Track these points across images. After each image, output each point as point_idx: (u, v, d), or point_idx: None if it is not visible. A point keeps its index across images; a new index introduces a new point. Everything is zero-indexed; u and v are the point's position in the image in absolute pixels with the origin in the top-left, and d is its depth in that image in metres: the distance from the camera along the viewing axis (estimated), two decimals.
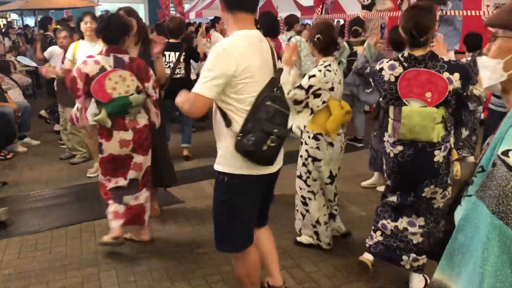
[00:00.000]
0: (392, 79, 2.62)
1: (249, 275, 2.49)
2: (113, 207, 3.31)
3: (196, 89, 2.14)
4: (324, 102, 3.10)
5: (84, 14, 4.89)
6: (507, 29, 1.13)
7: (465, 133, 5.22)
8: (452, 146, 2.70)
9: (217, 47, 2.14)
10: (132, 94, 3.15)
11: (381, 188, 4.33)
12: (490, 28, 1.20)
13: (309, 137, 3.18)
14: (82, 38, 4.99)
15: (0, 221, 3.97)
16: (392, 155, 2.72)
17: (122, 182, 3.35)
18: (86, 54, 3.62)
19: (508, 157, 1.00)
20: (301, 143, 3.27)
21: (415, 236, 2.79)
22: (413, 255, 2.81)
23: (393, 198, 2.83)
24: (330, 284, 3.06)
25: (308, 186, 3.26)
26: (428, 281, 2.87)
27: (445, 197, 2.73)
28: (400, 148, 2.66)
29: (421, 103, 2.56)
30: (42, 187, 4.99)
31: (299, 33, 6.67)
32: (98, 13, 4.22)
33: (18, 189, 4.95)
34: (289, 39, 6.30)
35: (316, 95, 3.07)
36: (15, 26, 18.05)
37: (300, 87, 2.99)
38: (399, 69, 2.61)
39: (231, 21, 2.21)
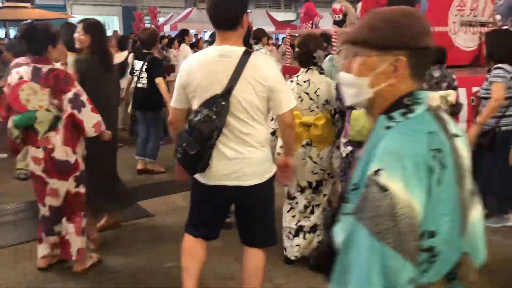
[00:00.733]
0: None
1: (182, 261, 2.59)
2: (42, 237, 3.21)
3: None
4: None
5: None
6: (369, 46, 1.11)
7: None
8: None
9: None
10: (46, 109, 2.96)
11: None
12: (349, 45, 1.16)
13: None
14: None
15: None
16: (344, 155, 2.90)
17: (43, 210, 3.17)
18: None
19: (379, 176, 0.99)
20: None
21: None
22: None
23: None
24: None
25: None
26: None
27: None
28: (350, 148, 2.85)
29: None
30: (7, 201, 4.85)
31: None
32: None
33: None
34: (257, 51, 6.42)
35: None
36: None
37: None
38: None
39: None
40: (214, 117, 2.22)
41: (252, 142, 2.32)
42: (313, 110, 3.14)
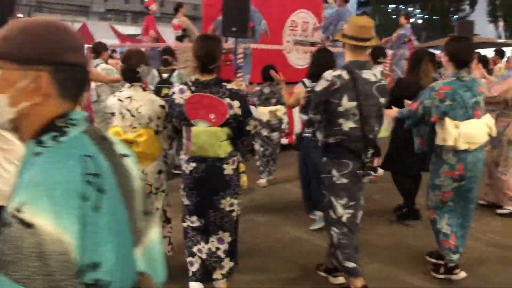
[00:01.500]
0: (182, 102, 2.79)
1: None
2: None
3: None
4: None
5: None
6: (8, 59, 0.96)
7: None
8: (240, 159, 3.00)
9: None
10: None
11: None
12: None
13: None
14: None
15: None
16: (187, 171, 2.89)
17: None
18: None
19: (22, 212, 0.86)
20: None
21: (223, 252, 2.98)
22: (226, 267, 3.02)
23: (194, 220, 2.96)
24: None
25: None
26: None
27: (238, 208, 3.03)
28: (193, 164, 2.85)
29: (207, 123, 2.78)
30: None
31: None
32: None
33: None
34: (95, 67, 5.99)
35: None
36: None
37: None
38: (187, 93, 2.79)
39: None
40: None
41: (12, 159, 2.21)
42: (135, 127, 3.00)
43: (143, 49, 5.35)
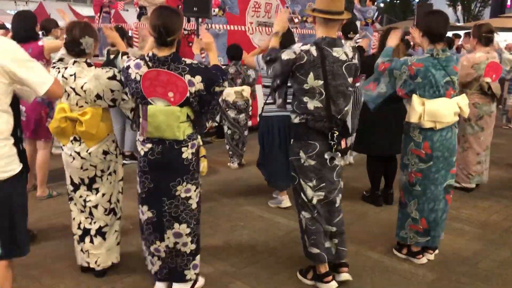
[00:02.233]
0: (138, 78, 2.60)
1: None
2: None
3: None
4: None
5: None
6: None
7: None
8: (201, 143, 2.79)
9: None
10: None
11: None
12: None
13: None
14: None
15: None
16: (142, 153, 2.70)
17: None
18: None
19: None
20: None
21: (187, 247, 2.79)
22: (193, 263, 2.82)
23: (148, 213, 2.75)
24: None
25: None
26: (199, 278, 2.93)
27: (198, 196, 2.78)
28: (149, 145, 2.67)
29: (165, 103, 2.59)
30: None
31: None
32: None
33: None
34: None
35: None
36: None
37: None
38: (144, 69, 2.60)
39: None
40: None
41: None
42: (82, 106, 2.86)
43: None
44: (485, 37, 4.64)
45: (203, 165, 2.77)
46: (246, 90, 5.51)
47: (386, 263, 3.28)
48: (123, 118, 5.55)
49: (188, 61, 2.61)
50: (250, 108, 5.89)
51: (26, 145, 3.88)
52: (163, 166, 2.67)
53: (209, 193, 4.59)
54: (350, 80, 2.86)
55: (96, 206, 3.01)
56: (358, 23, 9.73)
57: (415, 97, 3.10)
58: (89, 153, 2.89)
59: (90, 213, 3.02)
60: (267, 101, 4.23)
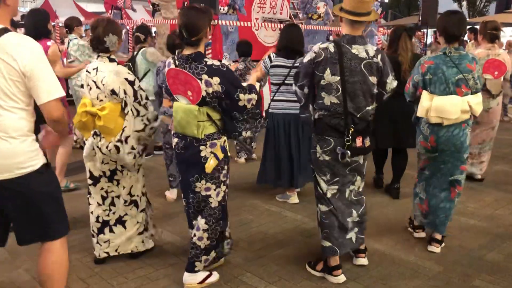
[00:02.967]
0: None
1: None
2: None
3: None
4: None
5: None
6: None
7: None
8: (222, 144, 2.77)
9: None
10: None
11: None
12: None
13: None
14: None
15: None
16: (174, 145, 2.85)
17: None
18: None
19: None
20: None
21: (202, 242, 2.83)
22: (204, 257, 2.88)
23: (183, 201, 2.95)
24: None
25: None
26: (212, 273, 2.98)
27: (219, 195, 2.82)
28: (176, 139, 2.80)
29: (187, 100, 2.67)
30: None
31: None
32: None
33: None
34: (69, 42, 5.87)
35: None
36: None
37: None
38: (171, 67, 2.70)
39: None
40: None
41: None
42: (101, 100, 2.93)
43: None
44: (489, 34, 4.69)
45: (208, 161, 2.71)
46: (257, 85, 5.53)
47: (393, 256, 3.34)
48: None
49: (210, 61, 2.62)
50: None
51: None
52: (185, 160, 2.79)
53: None
54: (372, 78, 2.85)
55: (118, 197, 3.11)
56: None
57: (424, 93, 3.21)
58: (109, 150, 2.94)
59: (111, 203, 3.11)
60: (274, 98, 4.28)
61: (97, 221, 3.12)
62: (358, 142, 2.84)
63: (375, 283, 2.98)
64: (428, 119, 3.23)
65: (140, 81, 4.70)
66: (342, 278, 2.98)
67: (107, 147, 2.95)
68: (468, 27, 11.12)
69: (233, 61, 7.11)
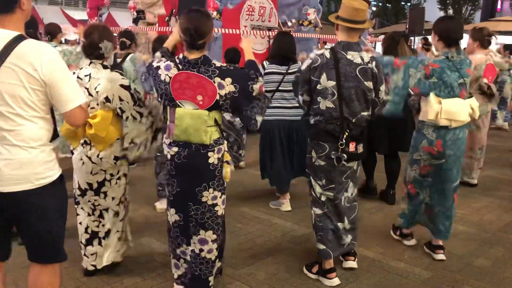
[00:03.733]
0: (167, 79, 2.58)
1: None
2: None
3: None
4: None
5: None
6: None
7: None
8: (226, 149, 2.74)
9: None
10: None
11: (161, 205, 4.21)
12: None
13: None
14: None
15: None
16: (169, 156, 2.67)
17: None
18: None
19: None
20: None
21: (212, 254, 2.75)
22: (216, 268, 2.85)
23: (176, 217, 2.73)
24: None
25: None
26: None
27: (224, 203, 2.78)
28: (175, 149, 2.64)
29: (194, 106, 2.57)
30: None
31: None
32: None
33: None
34: None
35: None
36: None
37: None
38: (174, 70, 2.58)
39: None
40: None
41: (15, 141, 1.99)
42: (93, 108, 2.87)
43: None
44: (487, 40, 4.83)
45: (226, 171, 2.71)
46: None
47: (382, 262, 3.33)
48: None
49: (218, 63, 2.60)
50: None
51: None
52: (189, 170, 2.63)
53: None
54: (368, 84, 2.88)
55: (107, 209, 3.04)
56: None
57: (432, 96, 3.16)
58: (101, 159, 2.90)
59: (100, 216, 3.04)
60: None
61: (86, 232, 3.06)
62: (352, 147, 2.86)
63: None
64: (436, 122, 3.18)
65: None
66: (336, 281, 2.99)
67: (97, 156, 2.90)
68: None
69: None
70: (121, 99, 2.86)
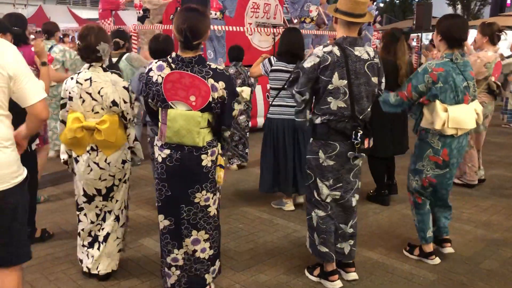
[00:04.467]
0: (159, 80, 2.49)
1: None
2: None
3: None
4: (68, 112, 2.88)
5: None
6: None
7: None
8: (220, 151, 2.68)
9: None
10: None
11: None
12: None
13: None
14: None
15: None
16: (160, 159, 2.59)
17: None
18: None
19: None
20: None
21: (205, 253, 2.70)
22: (212, 268, 2.77)
23: (166, 222, 2.67)
24: None
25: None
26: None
27: (216, 202, 2.71)
28: (167, 151, 2.56)
29: (187, 107, 2.49)
30: None
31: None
32: None
33: None
34: (50, 49, 5.77)
35: (63, 105, 2.94)
36: None
37: None
38: (166, 70, 2.49)
39: None
40: None
41: None
42: (97, 112, 2.82)
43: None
44: (497, 36, 4.67)
45: (219, 175, 2.64)
46: (246, 91, 5.42)
47: (386, 264, 3.25)
48: None
49: (213, 65, 2.53)
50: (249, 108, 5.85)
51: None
52: (182, 173, 2.56)
53: None
54: (374, 79, 2.81)
55: (110, 212, 3.00)
56: None
57: (438, 103, 3.00)
58: (108, 163, 2.86)
59: (103, 219, 3.00)
60: (273, 103, 4.22)
61: (89, 235, 3.02)
62: (366, 143, 2.80)
63: None
64: (443, 131, 3.03)
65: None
66: (338, 284, 2.92)
67: (105, 161, 2.85)
68: None
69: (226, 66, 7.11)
70: (125, 101, 2.84)
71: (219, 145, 2.68)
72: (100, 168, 2.86)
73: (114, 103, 2.79)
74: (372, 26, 10.36)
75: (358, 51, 2.75)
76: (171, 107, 2.50)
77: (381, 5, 33.03)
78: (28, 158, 3.48)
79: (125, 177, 3.01)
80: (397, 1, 31.63)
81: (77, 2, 25.98)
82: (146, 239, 3.61)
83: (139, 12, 8.22)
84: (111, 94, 2.78)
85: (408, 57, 4.24)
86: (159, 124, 2.61)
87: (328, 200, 2.89)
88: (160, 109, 2.58)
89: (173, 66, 2.49)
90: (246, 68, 5.52)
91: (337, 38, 2.81)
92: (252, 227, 3.92)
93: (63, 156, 3.03)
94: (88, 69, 2.84)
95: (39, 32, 8.92)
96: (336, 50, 2.71)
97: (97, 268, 2.99)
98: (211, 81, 2.47)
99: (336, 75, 2.70)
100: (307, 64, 2.75)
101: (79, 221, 3.03)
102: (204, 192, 2.60)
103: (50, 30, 5.86)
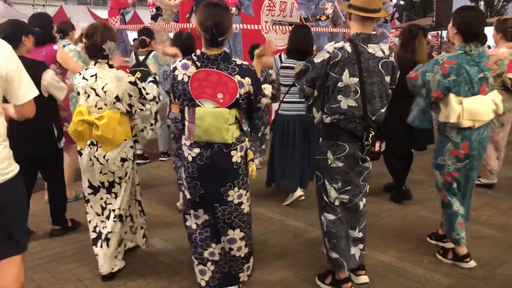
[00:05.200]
0: (186, 79, 2.46)
1: None
2: None
3: None
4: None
5: None
6: None
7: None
8: (248, 146, 2.66)
9: None
10: None
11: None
12: None
13: None
14: None
15: None
16: (190, 158, 2.56)
17: None
18: None
19: None
20: None
21: (241, 251, 2.71)
22: (246, 265, 2.77)
23: (200, 214, 2.67)
24: None
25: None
26: None
27: (249, 200, 2.69)
28: (197, 150, 2.53)
29: (214, 104, 2.46)
30: None
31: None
32: None
33: None
34: (63, 47, 5.80)
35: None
36: None
37: None
38: (192, 69, 2.46)
39: None
40: None
41: None
42: (101, 108, 2.83)
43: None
44: (510, 32, 4.49)
45: (252, 168, 2.65)
46: (268, 88, 5.38)
47: (398, 268, 3.15)
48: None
49: (238, 61, 2.50)
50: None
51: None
52: (213, 171, 2.54)
53: None
54: (388, 78, 2.70)
55: (114, 210, 3.00)
56: None
57: (452, 96, 2.93)
58: (107, 160, 2.87)
59: (107, 217, 3.01)
60: (284, 99, 4.18)
61: (94, 230, 3.03)
62: (377, 146, 2.68)
63: None
64: (459, 124, 2.95)
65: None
66: None
67: (104, 157, 2.86)
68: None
69: None
70: (130, 95, 2.86)
71: (247, 140, 2.67)
72: (100, 164, 2.89)
73: (117, 98, 2.82)
74: (390, 23, 10.19)
75: (372, 48, 2.63)
76: (198, 106, 2.48)
77: (402, 2, 32.60)
78: (56, 157, 3.55)
79: (126, 176, 2.99)
80: None
81: (98, 2, 26.30)
82: (155, 239, 3.59)
83: (152, 11, 8.22)
84: (114, 90, 2.80)
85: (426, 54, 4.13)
86: (186, 123, 2.57)
87: (337, 203, 2.79)
88: (186, 108, 2.54)
89: (199, 64, 2.46)
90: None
91: (350, 34, 2.70)
92: (263, 227, 3.86)
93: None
94: (95, 65, 2.89)
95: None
96: (347, 46, 2.61)
97: (101, 268, 2.98)
98: (237, 77, 2.45)
99: (346, 72, 2.59)
100: (317, 59, 2.67)
101: (87, 212, 3.06)
102: (236, 189, 2.58)
103: (64, 29, 5.90)
